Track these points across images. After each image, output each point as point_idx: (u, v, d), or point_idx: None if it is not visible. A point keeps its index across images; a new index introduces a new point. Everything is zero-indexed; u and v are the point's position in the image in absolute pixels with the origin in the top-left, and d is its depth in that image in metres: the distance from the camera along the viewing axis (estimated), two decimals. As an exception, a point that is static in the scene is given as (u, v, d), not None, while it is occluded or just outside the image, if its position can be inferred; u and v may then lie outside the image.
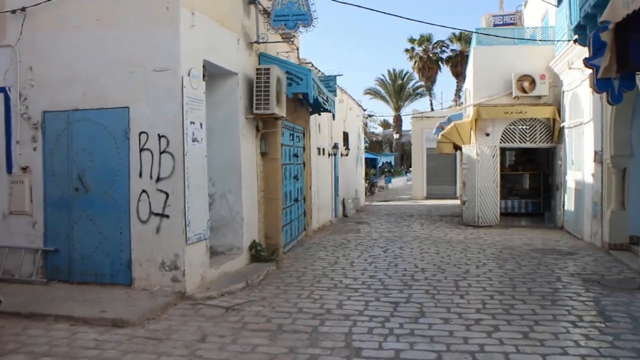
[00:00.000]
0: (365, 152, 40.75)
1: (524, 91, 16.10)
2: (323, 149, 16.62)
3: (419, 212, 21.66)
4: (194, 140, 7.88)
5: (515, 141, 16.77)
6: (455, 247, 12.27)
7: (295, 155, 12.83)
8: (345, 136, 20.47)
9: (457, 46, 48.72)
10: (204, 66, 8.60)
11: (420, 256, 11.05)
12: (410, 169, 32.86)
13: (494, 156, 16.44)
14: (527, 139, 16.65)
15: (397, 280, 8.80)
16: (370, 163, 39.42)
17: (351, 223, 17.77)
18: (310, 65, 14.95)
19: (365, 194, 31.31)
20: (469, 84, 18.41)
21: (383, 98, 50.07)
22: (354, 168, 22.94)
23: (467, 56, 48.14)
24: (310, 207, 14.68)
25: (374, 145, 55.78)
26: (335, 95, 14.92)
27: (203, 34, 8.27)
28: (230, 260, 9.11)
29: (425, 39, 48.93)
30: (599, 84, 8.89)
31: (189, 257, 7.64)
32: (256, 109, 9.72)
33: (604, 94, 10.93)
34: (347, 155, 19.65)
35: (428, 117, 29.48)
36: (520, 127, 16.68)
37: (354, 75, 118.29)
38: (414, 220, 18.45)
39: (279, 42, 10.64)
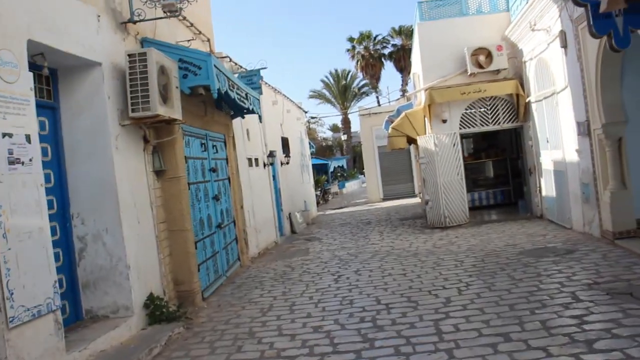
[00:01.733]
0: (314, 157, 38.21)
1: (480, 66, 13.66)
2: (256, 159, 13.82)
3: (377, 217, 19.04)
4: (13, 161, 4.97)
5: (476, 125, 14.31)
6: (424, 261, 9.61)
7: (213, 170, 9.98)
8: (285, 142, 17.70)
9: (398, 40, 46.87)
10: (41, 53, 5.75)
11: (382, 282, 8.33)
12: (364, 170, 30.29)
13: (454, 145, 13.93)
14: (490, 121, 14.20)
15: (353, 332, 6.02)
16: (321, 169, 36.82)
17: (299, 241, 14.99)
18: (227, 59, 12.15)
19: (318, 202, 28.64)
20: (416, 66, 15.88)
21: (329, 100, 47.53)
22: (300, 177, 20.18)
23: (410, 50, 46.77)
24: (244, 230, 11.84)
25: (325, 150, 53.26)
26: (260, 93, 12.16)
27: (27, 2, 5.39)
28: (111, 330, 6.15)
29: (365, 37, 46.86)
30: (597, 25, 6.48)
31: (16, 348, 4.70)
32: (132, 111, 6.83)
33: (599, 44, 8.51)
34: (287, 163, 16.90)
35: (376, 112, 26.96)
36: (480, 109, 14.23)
37: (295, 81, 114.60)
38: (372, 228, 15.79)
39: (162, 18, 7.77)
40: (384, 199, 26.73)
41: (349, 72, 47.45)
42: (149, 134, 7.55)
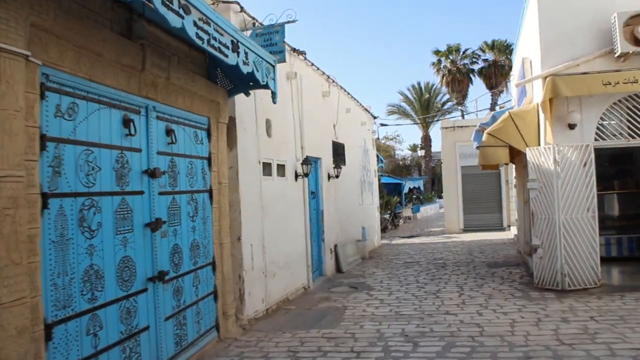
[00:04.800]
0: (386, 176, 33.04)
1: (638, 43, 8.31)
2: (280, 166, 9.06)
3: (456, 256, 13.77)
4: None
5: (623, 135, 8.89)
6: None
7: (153, 175, 5.25)
8: (338, 149, 12.86)
9: (490, 56, 41.17)
10: None
11: None
12: (442, 194, 24.90)
13: (585, 164, 8.61)
14: (647, 131, 8.76)
15: None
16: (394, 190, 31.63)
17: (340, 289, 10.06)
18: (236, 8, 7.57)
19: (386, 228, 23.53)
20: (528, 47, 10.53)
21: (408, 115, 42.15)
22: (358, 196, 15.21)
23: (502, 66, 41.02)
24: (240, 277, 7.12)
25: (402, 169, 47.83)
26: (282, 60, 7.44)
27: None
28: None
29: (453, 50, 41.45)
30: None
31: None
32: None
33: None
34: (337, 176, 12.02)
35: (461, 126, 21.58)
36: (632, 108, 8.82)
37: (374, 96, 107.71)
38: (448, 278, 10.62)
39: None
40: (465, 230, 21.28)
41: (433, 85, 41.95)
42: None
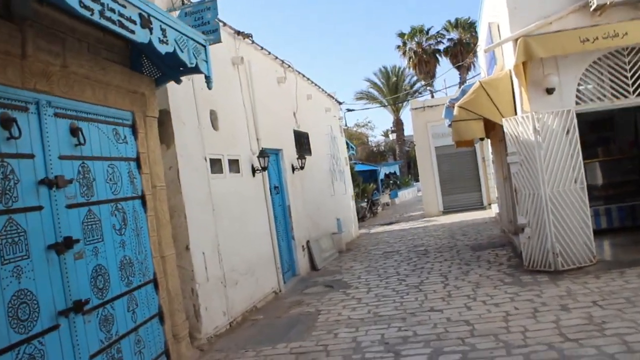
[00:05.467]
0: (361, 163, 32.13)
1: (615, -7, 7.49)
2: (232, 161, 8.05)
3: (437, 241, 12.94)
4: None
5: (606, 96, 8.06)
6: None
7: (51, 184, 4.24)
8: (301, 138, 11.88)
9: (455, 34, 40.58)
10: None
11: None
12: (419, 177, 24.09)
13: (568, 132, 7.78)
14: (631, 89, 7.94)
15: None
16: (370, 177, 30.78)
17: (314, 289, 9.13)
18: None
19: (365, 216, 22.68)
20: (496, 8, 9.50)
21: (378, 100, 41.21)
22: (329, 187, 14.26)
23: (467, 44, 40.36)
24: (193, 289, 6.14)
25: (377, 155, 47.03)
26: (217, 40, 6.43)
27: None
28: None
29: (417, 31, 40.73)
30: None
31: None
32: None
33: None
34: (302, 168, 11.04)
35: (431, 105, 20.70)
36: (615, 69, 7.99)
37: (338, 83, 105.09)
38: (431, 265, 9.77)
39: None
40: (444, 212, 20.51)
41: (400, 68, 41.08)
42: None
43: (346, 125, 20.26)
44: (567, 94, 8.02)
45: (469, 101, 8.84)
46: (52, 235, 4.05)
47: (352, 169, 20.45)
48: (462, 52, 39.21)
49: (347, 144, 18.61)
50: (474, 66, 38.26)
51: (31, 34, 3.99)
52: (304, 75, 12.65)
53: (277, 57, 10.75)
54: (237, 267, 7.56)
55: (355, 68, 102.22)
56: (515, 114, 8.44)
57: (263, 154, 8.65)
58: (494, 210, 17.31)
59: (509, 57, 8.67)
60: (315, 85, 13.86)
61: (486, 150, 19.16)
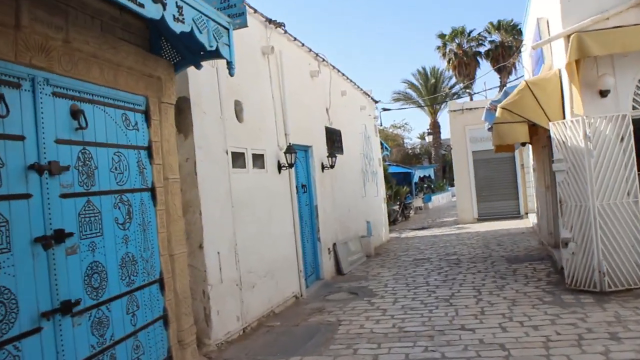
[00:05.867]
0: (395, 165, 31.38)
1: (684, -13, 6.74)
2: (256, 156, 7.58)
3: (470, 250, 12.24)
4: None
5: (667, 102, 7.30)
6: None
7: (41, 169, 3.83)
8: (332, 136, 11.36)
9: (496, 37, 39.50)
10: None
11: None
12: (454, 182, 23.29)
13: (623, 139, 7.05)
14: (696, 95, 7.17)
15: None
16: (404, 180, 30.00)
17: (337, 296, 8.60)
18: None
19: (396, 220, 22.02)
20: (546, 2, 8.77)
21: (415, 102, 40.31)
22: (360, 188, 13.70)
23: (509, 47, 39.16)
24: (204, 292, 5.68)
25: (412, 158, 46.12)
26: (243, 24, 5.95)
27: None
28: None
29: (458, 32, 39.82)
30: None
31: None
32: None
33: None
34: (332, 167, 10.52)
35: (470, 108, 19.94)
36: (677, 69, 7.24)
37: (377, 84, 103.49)
38: (463, 277, 9.14)
39: None
40: (479, 219, 19.69)
41: (439, 70, 40.12)
42: None
43: (381, 125, 19.64)
44: (623, 98, 7.29)
45: (513, 102, 8.16)
46: (41, 227, 3.63)
47: (385, 170, 19.83)
48: (503, 55, 38.09)
49: (381, 144, 17.99)
50: (515, 69, 37.20)
51: (26, 2, 3.57)
52: (338, 70, 12.11)
53: (311, 50, 10.25)
54: (255, 268, 7.08)
55: (393, 68, 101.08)
56: (564, 117, 7.75)
57: (290, 150, 8.15)
58: (531, 220, 16.48)
59: (558, 56, 7.97)
60: (351, 81, 13.32)
61: (526, 156, 18.27)
